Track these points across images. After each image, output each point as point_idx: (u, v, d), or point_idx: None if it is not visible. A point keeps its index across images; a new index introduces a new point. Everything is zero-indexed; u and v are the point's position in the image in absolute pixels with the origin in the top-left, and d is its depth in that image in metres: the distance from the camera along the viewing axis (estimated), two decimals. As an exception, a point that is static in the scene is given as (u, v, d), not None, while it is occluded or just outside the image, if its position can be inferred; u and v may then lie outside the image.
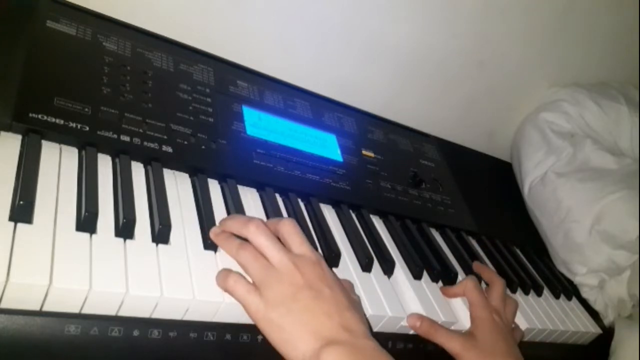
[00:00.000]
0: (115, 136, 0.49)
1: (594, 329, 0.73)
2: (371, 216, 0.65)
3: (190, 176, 0.53)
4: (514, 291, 0.69)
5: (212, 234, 0.46)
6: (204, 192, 0.51)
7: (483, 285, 0.64)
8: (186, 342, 0.41)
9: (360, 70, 0.82)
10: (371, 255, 0.57)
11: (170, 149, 0.52)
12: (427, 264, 0.62)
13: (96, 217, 0.41)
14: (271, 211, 0.55)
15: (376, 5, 0.77)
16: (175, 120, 0.55)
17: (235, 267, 0.45)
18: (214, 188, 0.54)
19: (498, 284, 0.62)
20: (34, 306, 0.35)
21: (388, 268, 0.57)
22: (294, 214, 0.57)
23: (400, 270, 0.59)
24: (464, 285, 0.59)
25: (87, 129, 0.47)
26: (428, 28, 0.83)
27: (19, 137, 0.44)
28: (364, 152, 0.72)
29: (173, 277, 0.41)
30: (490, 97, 0.96)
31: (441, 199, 0.75)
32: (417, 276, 0.60)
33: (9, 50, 0.49)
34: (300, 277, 0.42)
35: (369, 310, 0.50)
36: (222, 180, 0.55)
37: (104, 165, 0.47)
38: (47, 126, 0.45)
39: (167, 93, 0.57)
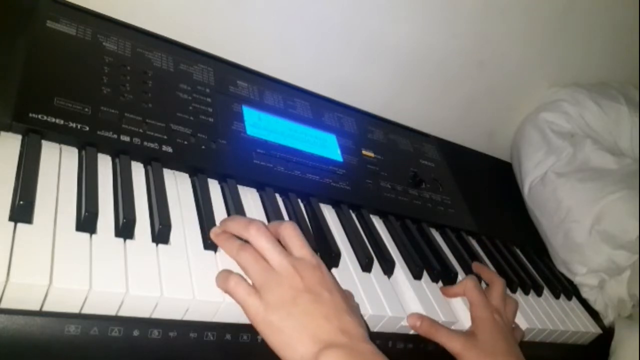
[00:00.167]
0: (115, 136, 0.49)
1: (594, 329, 0.73)
2: (371, 216, 0.65)
3: (190, 176, 0.53)
4: (514, 291, 0.69)
5: (213, 234, 0.46)
6: (204, 192, 0.51)
7: (483, 285, 0.64)
8: (186, 342, 0.41)
9: (360, 70, 0.82)
10: (371, 255, 0.57)
11: (170, 149, 0.52)
12: (427, 264, 0.62)
13: (96, 217, 0.41)
14: (271, 211, 0.55)
15: (376, 5, 0.77)
16: (175, 120, 0.55)
17: (235, 268, 0.45)
18: (214, 188, 0.54)
19: (498, 283, 0.62)
20: (34, 306, 0.35)
21: (388, 268, 0.57)
22: (294, 214, 0.57)
23: (400, 270, 0.59)
24: (464, 285, 0.59)
25: (87, 129, 0.47)
26: (428, 28, 0.83)
27: (19, 137, 0.44)
28: (364, 152, 0.72)
29: (173, 277, 0.41)
30: (490, 97, 0.96)
31: (441, 199, 0.75)
32: (417, 276, 0.60)
33: (9, 50, 0.49)
34: (300, 281, 0.42)
35: (369, 310, 0.50)
36: (222, 180, 0.55)
37: (104, 165, 0.47)
38: (47, 126, 0.45)
39: (167, 93, 0.57)
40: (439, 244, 0.68)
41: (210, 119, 0.58)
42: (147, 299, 0.39)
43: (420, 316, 0.53)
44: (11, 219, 0.37)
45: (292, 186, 0.59)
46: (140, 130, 0.51)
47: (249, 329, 0.42)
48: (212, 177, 0.54)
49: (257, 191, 0.58)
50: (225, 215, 0.51)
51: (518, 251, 0.82)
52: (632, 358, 0.72)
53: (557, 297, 0.75)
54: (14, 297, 0.34)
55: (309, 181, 0.61)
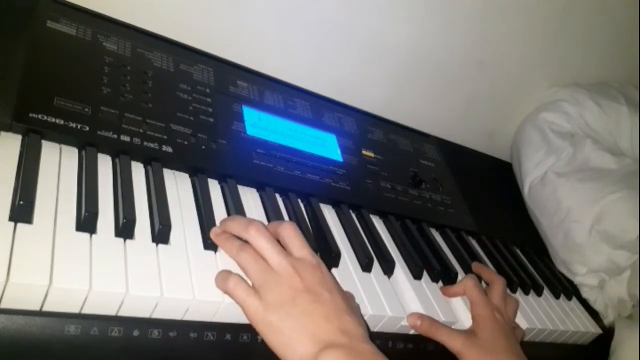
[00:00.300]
0: (115, 136, 0.49)
1: (594, 329, 0.73)
2: (371, 216, 0.65)
3: (190, 176, 0.53)
4: (514, 291, 0.69)
5: (213, 234, 0.46)
6: (204, 192, 0.51)
7: (483, 285, 0.64)
8: (186, 342, 0.41)
9: (360, 70, 0.82)
10: (371, 255, 0.57)
11: (170, 149, 0.52)
12: (427, 264, 0.62)
13: (96, 217, 0.41)
14: (271, 211, 0.55)
15: (376, 5, 0.77)
16: (175, 120, 0.55)
17: (235, 268, 0.45)
18: (214, 188, 0.54)
19: (498, 282, 0.62)
20: (34, 306, 0.35)
21: (388, 268, 0.57)
22: (294, 214, 0.57)
23: (400, 270, 0.59)
24: (464, 284, 0.60)
25: (87, 129, 0.47)
26: (428, 28, 0.83)
27: (19, 137, 0.44)
28: (364, 152, 0.72)
29: (173, 277, 0.41)
30: (490, 97, 0.96)
31: (441, 199, 0.75)
32: (417, 276, 0.60)
33: (9, 50, 0.49)
34: (300, 281, 0.42)
35: (369, 310, 0.50)
36: (222, 180, 0.55)
37: (104, 165, 0.47)
38: (47, 126, 0.45)
39: (167, 93, 0.57)
40: (439, 244, 0.68)
41: (210, 119, 0.58)
42: (147, 299, 0.39)
43: (420, 315, 0.53)
44: (11, 219, 0.37)
45: (292, 186, 0.59)
46: (140, 130, 0.51)
47: (249, 329, 0.42)
48: (212, 177, 0.54)
49: (257, 191, 0.58)
50: (225, 215, 0.51)
51: (518, 251, 0.82)
52: (632, 358, 0.72)
53: (557, 297, 0.75)
54: (14, 297, 0.34)
55: (309, 181, 0.61)
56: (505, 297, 0.61)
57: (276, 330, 0.40)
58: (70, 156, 0.46)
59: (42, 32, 0.53)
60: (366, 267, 0.55)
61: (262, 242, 0.44)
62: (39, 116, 0.45)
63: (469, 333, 0.55)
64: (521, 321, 0.63)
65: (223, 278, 0.43)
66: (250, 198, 0.56)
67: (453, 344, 0.53)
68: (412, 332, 0.54)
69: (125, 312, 0.38)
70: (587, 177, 0.82)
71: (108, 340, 0.37)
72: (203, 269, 0.43)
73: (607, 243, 0.76)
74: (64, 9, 0.57)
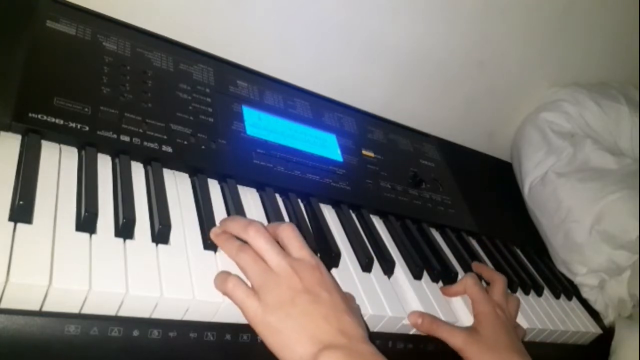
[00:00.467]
0: (115, 136, 0.49)
1: (594, 329, 0.73)
2: (371, 216, 0.65)
3: (190, 176, 0.53)
4: (514, 291, 0.69)
5: (213, 234, 0.46)
6: (204, 192, 0.51)
7: (484, 284, 0.64)
8: (186, 342, 0.41)
9: (360, 70, 0.82)
10: (371, 255, 0.57)
11: (170, 149, 0.52)
12: (427, 264, 0.62)
13: (96, 217, 0.41)
14: (271, 211, 0.55)
15: (376, 5, 0.77)
16: (175, 120, 0.55)
17: (235, 268, 0.45)
18: (214, 188, 0.54)
19: (499, 281, 0.62)
20: (34, 306, 0.35)
21: (388, 268, 0.57)
22: (294, 214, 0.56)
23: (401, 270, 0.59)
24: (464, 283, 0.60)
25: (87, 129, 0.47)
26: (428, 28, 0.83)
27: (19, 137, 0.44)
28: (364, 152, 0.72)
29: (173, 277, 0.41)
30: (490, 97, 0.96)
31: (441, 199, 0.75)
32: (417, 276, 0.60)
33: (9, 50, 0.49)
34: (299, 282, 0.42)
35: (369, 310, 0.50)
36: (222, 180, 0.55)
37: (104, 165, 0.47)
38: (47, 126, 0.45)
39: (167, 93, 0.57)
40: (439, 244, 0.68)
41: (210, 119, 0.58)
42: (147, 299, 0.39)
43: (421, 314, 0.53)
44: (11, 219, 0.37)
45: (292, 186, 0.59)
46: (140, 130, 0.51)
47: (249, 329, 0.42)
48: (212, 177, 0.54)
49: (257, 191, 0.58)
50: (225, 215, 0.51)
51: (518, 251, 0.82)
52: (632, 358, 0.72)
53: (557, 297, 0.75)
54: (14, 297, 0.34)
55: (309, 181, 0.61)
56: (507, 295, 0.61)
57: (275, 331, 0.40)
58: (70, 156, 0.46)
59: (42, 32, 0.53)
60: (366, 267, 0.55)
61: (261, 242, 0.44)
62: (39, 116, 0.45)
63: (471, 330, 0.55)
64: (521, 321, 0.63)
65: (222, 279, 0.43)
66: (250, 198, 0.56)
67: (455, 340, 0.53)
68: (412, 332, 0.54)
69: (125, 312, 0.38)
70: (587, 177, 0.82)
71: (108, 340, 0.37)
72: (203, 269, 0.43)
73: (607, 243, 0.76)
74: (63, 8, 0.57)
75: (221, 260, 0.46)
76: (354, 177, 0.67)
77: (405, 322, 0.53)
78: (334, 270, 0.52)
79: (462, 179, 0.83)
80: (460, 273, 0.65)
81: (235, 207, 0.51)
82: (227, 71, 0.67)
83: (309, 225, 0.56)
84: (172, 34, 0.65)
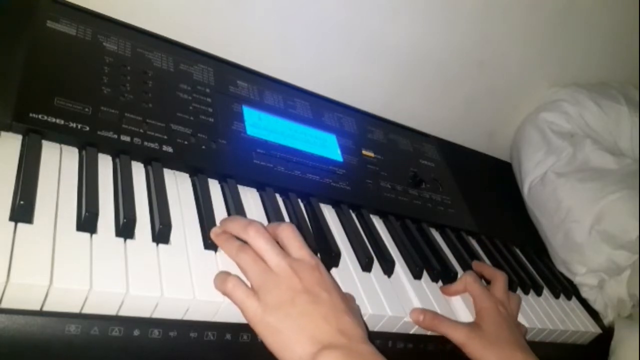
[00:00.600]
0: (115, 136, 0.49)
1: (593, 329, 0.73)
2: (371, 216, 0.65)
3: (190, 176, 0.53)
4: (513, 291, 0.68)
5: (213, 234, 0.46)
6: (204, 192, 0.51)
7: (484, 284, 0.64)
8: (186, 342, 0.41)
9: (360, 70, 0.82)
10: (371, 255, 0.57)
11: (170, 149, 0.52)
12: (427, 263, 0.62)
13: (96, 217, 0.41)
14: (271, 211, 0.55)
15: (376, 5, 0.77)
16: (175, 120, 0.55)
17: (235, 268, 0.45)
18: (214, 188, 0.54)
19: (500, 278, 0.62)
20: (34, 306, 0.35)
21: (388, 268, 0.57)
22: (294, 214, 0.57)
23: (400, 270, 0.59)
24: (464, 281, 0.60)
25: (88, 129, 0.47)
26: (428, 28, 0.83)
27: (19, 137, 0.44)
28: (364, 152, 0.72)
29: (173, 277, 0.41)
30: (490, 97, 0.96)
31: (441, 199, 0.75)
32: (417, 276, 0.60)
33: (9, 50, 0.49)
34: (299, 282, 0.42)
35: (369, 310, 0.50)
36: (222, 180, 0.55)
37: (104, 165, 0.47)
38: (48, 126, 0.45)
39: (167, 93, 0.57)
40: (439, 244, 0.68)
41: (211, 119, 0.58)
42: (148, 299, 0.39)
43: (423, 310, 0.54)
44: (11, 219, 0.37)
45: (292, 186, 0.59)
46: (141, 130, 0.51)
47: (249, 329, 0.42)
48: (212, 177, 0.54)
49: (257, 191, 0.58)
50: (226, 215, 0.51)
51: (518, 251, 0.82)
52: (632, 358, 0.72)
53: (557, 297, 0.75)
54: (15, 297, 0.34)
55: (309, 181, 0.61)
56: (508, 292, 0.61)
57: (275, 331, 0.40)
58: (70, 156, 0.46)
59: (42, 32, 0.53)
60: (366, 267, 0.55)
61: (261, 243, 0.44)
62: (39, 116, 0.45)
63: (473, 325, 0.55)
64: (521, 321, 0.63)
65: (222, 279, 0.43)
66: (250, 198, 0.56)
67: (457, 335, 0.53)
68: (412, 332, 0.54)
69: (125, 312, 0.38)
70: (587, 177, 0.82)
71: (108, 340, 0.37)
72: (203, 269, 0.43)
73: (607, 243, 0.76)
74: (63, 9, 0.57)
75: (221, 260, 0.46)
76: (354, 177, 0.67)
77: (407, 319, 0.53)
78: (334, 270, 0.53)
79: (462, 179, 0.83)
80: (460, 273, 0.65)
81: (235, 207, 0.51)
82: (227, 71, 0.67)
83: (309, 225, 0.56)
84: (172, 34, 0.65)
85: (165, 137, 0.52)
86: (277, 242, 0.46)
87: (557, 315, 0.70)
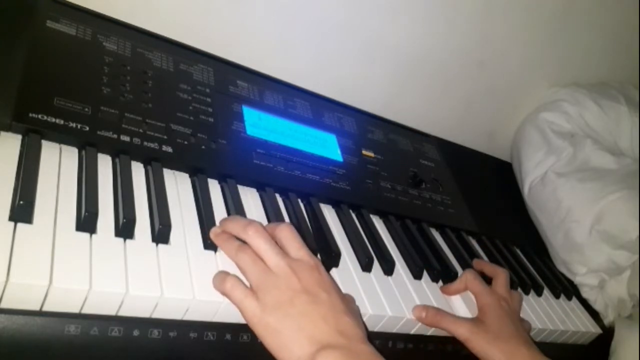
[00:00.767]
0: (115, 136, 0.49)
1: (594, 329, 0.73)
2: (371, 216, 0.65)
3: (190, 176, 0.53)
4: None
5: (212, 234, 0.46)
6: (204, 192, 0.51)
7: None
8: (186, 342, 0.41)
9: (360, 70, 0.82)
10: (371, 255, 0.57)
11: (170, 149, 0.52)
12: (427, 263, 0.62)
13: (96, 217, 0.41)
14: (271, 211, 0.55)
15: (376, 5, 0.77)
16: (175, 120, 0.55)
17: (236, 268, 0.45)
18: (214, 188, 0.54)
19: (502, 274, 0.62)
20: (34, 306, 0.35)
21: (388, 268, 0.57)
22: (294, 214, 0.57)
23: (401, 270, 0.59)
24: (464, 279, 0.60)
25: (87, 129, 0.47)
26: (428, 28, 0.83)
27: (19, 137, 0.44)
28: (364, 152, 0.72)
29: (173, 277, 0.41)
30: (490, 97, 0.96)
31: (441, 199, 0.75)
32: (417, 276, 0.60)
33: (9, 50, 0.49)
34: (297, 282, 0.42)
35: (369, 310, 0.50)
36: (222, 180, 0.55)
37: (104, 165, 0.47)
38: (47, 126, 0.45)
39: (167, 93, 0.57)
40: (439, 244, 0.68)
41: (210, 119, 0.58)
42: (147, 299, 0.39)
43: (425, 306, 0.54)
44: (11, 219, 0.37)
45: (292, 186, 0.59)
46: (140, 130, 0.51)
47: (249, 329, 0.42)
48: (212, 177, 0.54)
49: (257, 191, 0.58)
50: (226, 215, 0.51)
51: (518, 251, 0.82)
52: (632, 358, 0.72)
53: (557, 297, 0.75)
54: (14, 297, 0.34)
55: (309, 181, 0.61)
56: (510, 289, 0.61)
57: (274, 331, 0.40)
58: (70, 156, 0.46)
59: (42, 32, 0.53)
60: (366, 267, 0.55)
61: (260, 243, 0.44)
62: (39, 116, 0.45)
63: (476, 320, 0.55)
64: (521, 321, 0.63)
65: (220, 279, 0.42)
66: (250, 198, 0.56)
67: (460, 331, 0.53)
68: (412, 332, 0.54)
69: (125, 312, 0.38)
70: (587, 177, 0.82)
71: (108, 340, 0.37)
72: (203, 269, 0.43)
73: (607, 243, 0.76)
74: (63, 8, 0.57)
75: (221, 260, 0.46)
76: (354, 177, 0.67)
77: (409, 317, 0.53)
78: (334, 270, 0.53)
79: (462, 179, 0.83)
80: (460, 273, 0.65)
81: (235, 207, 0.51)
82: (227, 71, 0.67)
83: (309, 225, 0.56)
84: (172, 34, 0.65)
85: (165, 137, 0.52)
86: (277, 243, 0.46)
87: (557, 315, 0.70)
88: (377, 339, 0.51)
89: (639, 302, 0.77)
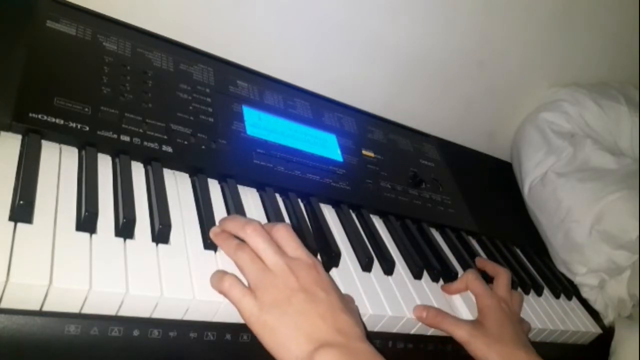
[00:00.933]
0: (115, 136, 0.49)
1: (594, 329, 0.73)
2: (371, 216, 0.65)
3: (190, 176, 0.53)
4: (514, 291, 0.69)
5: (212, 233, 0.46)
6: (204, 192, 0.51)
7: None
8: (186, 342, 0.41)
9: (360, 70, 0.82)
10: (371, 255, 0.57)
11: (170, 149, 0.52)
12: (427, 263, 0.62)
13: (96, 217, 0.41)
14: (271, 211, 0.55)
15: (376, 5, 0.77)
16: (175, 120, 0.55)
17: (235, 268, 0.45)
18: (214, 188, 0.54)
19: (503, 275, 0.62)
20: (34, 306, 0.35)
21: (388, 268, 0.57)
22: (294, 214, 0.57)
23: (401, 270, 0.59)
24: (465, 279, 0.60)
25: (87, 129, 0.47)
26: (428, 28, 0.83)
27: (19, 137, 0.44)
28: (364, 152, 0.72)
29: (173, 277, 0.41)
30: (490, 97, 0.96)
31: (441, 199, 0.75)
32: (417, 276, 0.60)
33: (9, 50, 0.49)
34: (295, 281, 0.42)
35: (369, 310, 0.50)
36: (222, 180, 0.55)
37: (104, 165, 0.47)
38: (47, 126, 0.45)
39: (167, 93, 0.57)
40: (439, 243, 0.68)
41: (210, 119, 0.58)
42: (147, 299, 0.39)
43: (425, 307, 0.54)
44: (11, 218, 0.37)
45: (292, 186, 0.59)
46: (140, 130, 0.51)
47: (249, 329, 0.42)
48: (212, 177, 0.54)
49: (257, 191, 0.58)
50: (226, 216, 0.51)
51: (518, 251, 0.82)
52: (632, 358, 0.72)
53: (557, 297, 0.75)
54: (14, 297, 0.34)
55: (309, 181, 0.61)
56: (510, 290, 0.61)
57: (271, 330, 0.40)
58: (70, 156, 0.46)
59: (42, 32, 0.53)
60: (366, 267, 0.55)
61: (258, 241, 0.44)
62: (39, 116, 0.45)
63: (475, 323, 0.55)
64: (521, 321, 0.64)
65: (218, 278, 0.42)
66: (250, 198, 0.56)
67: (460, 333, 0.53)
68: (412, 332, 0.54)
69: (125, 312, 0.38)
70: (587, 177, 0.82)
71: (108, 340, 0.37)
72: (203, 269, 0.43)
73: (607, 243, 0.76)
74: (63, 8, 0.57)
75: (221, 260, 0.46)
76: (354, 177, 0.67)
77: (409, 316, 0.53)
78: (333, 270, 0.52)
79: (462, 179, 0.83)
80: (460, 273, 0.65)
81: (235, 207, 0.51)
82: (227, 71, 0.67)
83: (309, 225, 0.56)
84: (172, 34, 0.65)
85: (165, 137, 0.52)
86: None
87: (557, 315, 0.70)
88: (377, 339, 0.51)
89: (639, 302, 0.77)
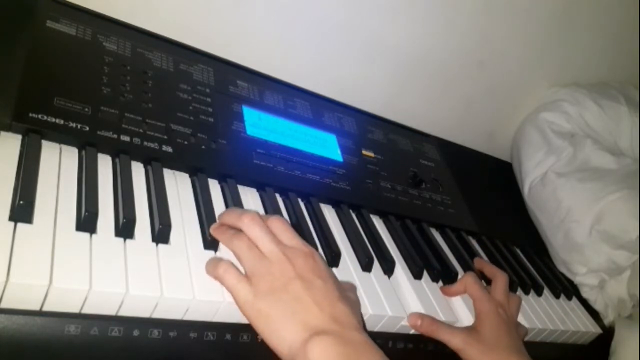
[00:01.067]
0: (115, 136, 0.49)
1: (594, 329, 0.73)
2: (371, 216, 0.65)
3: (190, 176, 0.53)
4: (514, 291, 0.68)
5: (211, 228, 0.47)
6: (204, 192, 0.51)
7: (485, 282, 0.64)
8: (186, 342, 0.41)
9: (360, 70, 0.82)
10: (371, 255, 0.57)
11: (170, 149, 0.52)
12: (427, 263, 0.62)
13: (96, 216, 0.41)
14: (271, 211, 0.55)
15: (376, 5, 0.77)
16: (175, 120, 0.55)
17: (237, 265, 0.45)
18: (214, 188, 0.54)
19: (501, 278, 0.62)
20: (34, 306, 0.35)
21: (388, 268, 0.57)
22: (294, 213, 0.57)
23: (401, 270, 0.59)
24: (464, 282, 0.60)
25: (87, 128, 0.47)
26: (428, 28, 0.83)
27: (19, 137, 0.44)
28: (364, 152, 0.72)
29: (173, 277, 0.41)
30: (490, 97, 0.96)
31: (441, 199, 0.75)
32: (417, 276, 0.60)
33: (9, 50, 0.49)
34: (292, 268, 0.42)
35: (369, 310, 0.50)
36: (222, 180, 0.55)
37: (104, 165, 0.47)
38: (47, 126, 0.45)
39: (167, 93, 0.57)
40: (439, 243, 0.68)
41: (210, 119, 0.58)
42: (147, 299, 0.39)
43: (421, 315, 0.53)
44: (11, 219, 0.37)
45: (292, 186, 0.59)
46: (140, 130, 0.51)
47: (249, 329, 0.42)
48: (212, 177, 0.54)
49: (257, 191, 0.58)
50: (225, 215, 0.51)
51: (518, 251, 0.82)
52: (632, 358, 0.72)
53: (557, 297, 0.75)
54: (14, 297, 0.34)
55: (309, 181, 0.61)
56: (508, 293, 0.61)
57: (266, 316, 0.40)
58: (70, 156, 0.46)
59: (42, 32, 0.53)
60: (366, 266, 0.55)
61: (255, 230, 0.44)
62: (39, 116, 0.45)
63: (471, 330, 0.55)
64: (521, 321, 0.63)
65: (213, 265, 0.42)
66: (250, 198, 0.56)
67: (454, 342, 0.53)
68: (412, 332, 0.54)
69: (125, 312, 0.38)
70: (587, 177, 0.82)
71: (108, 340, 0.37)
72: (203, 269, 0.43)
73: (607, 243, 0.76)
74: (63, 8, 0.57)
75: (221, 260, 0.45)
76: (354, 177, 0.67)
77: (405, 322, 0.53)
78: (334, 270, 0.52)
79: (462, 179, 0.83)
80: (460, 273, 0.65)
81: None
82: (227, 71, 0.67)
83: (309, 225, 0.56)
84: (172, 34, 0.65)
85: (165, 137, 0.52)
86: None
87: (557, 315, 0.70)
88: (377, 339, 0.51)
89: (639, 302, 0.77)
